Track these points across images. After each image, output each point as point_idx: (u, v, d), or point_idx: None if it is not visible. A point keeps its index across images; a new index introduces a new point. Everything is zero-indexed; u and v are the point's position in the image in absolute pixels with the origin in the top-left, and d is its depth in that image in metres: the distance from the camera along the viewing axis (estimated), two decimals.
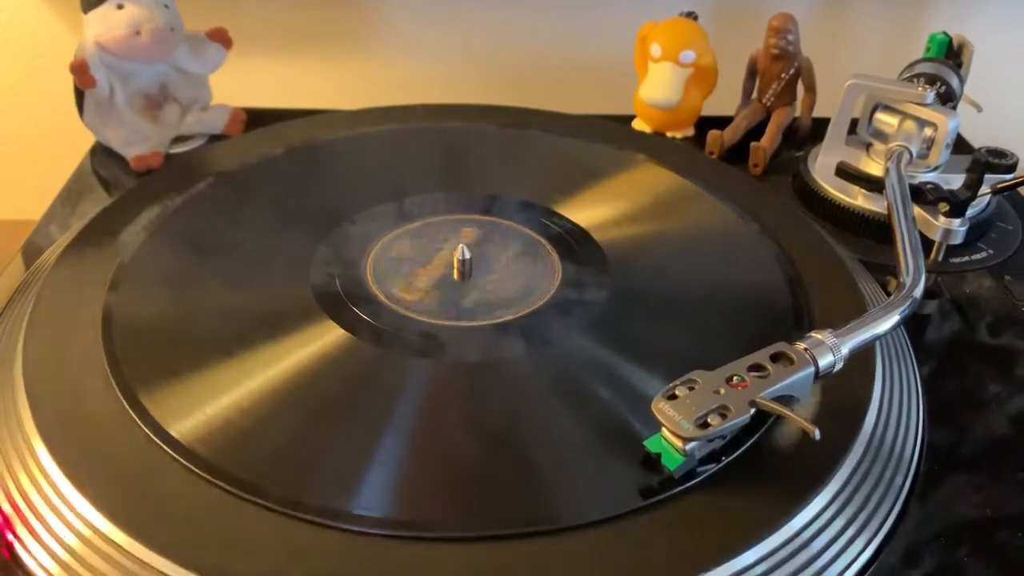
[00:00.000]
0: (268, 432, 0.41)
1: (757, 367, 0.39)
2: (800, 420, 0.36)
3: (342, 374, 0.44)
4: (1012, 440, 0.46)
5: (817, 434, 0.36)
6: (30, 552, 0.37)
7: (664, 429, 0.38)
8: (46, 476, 0.38)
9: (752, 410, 0.37)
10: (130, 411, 0.41)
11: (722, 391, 0.38)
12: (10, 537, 0.37)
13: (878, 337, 0.42)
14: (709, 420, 0.37)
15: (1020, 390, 0.49)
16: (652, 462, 0.38)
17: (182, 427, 0.40)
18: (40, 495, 0.38)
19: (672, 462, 0.38)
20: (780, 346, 0.40)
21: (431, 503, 0.38)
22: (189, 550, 0.35)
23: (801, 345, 0.40)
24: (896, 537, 0.40)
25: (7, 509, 0.38)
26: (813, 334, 0.41)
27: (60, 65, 0.69)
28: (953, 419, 0.47)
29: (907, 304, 0.43)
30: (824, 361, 0.39)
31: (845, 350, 0.40)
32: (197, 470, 0.38)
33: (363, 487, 0.38)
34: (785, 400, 0.39)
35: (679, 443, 0.37)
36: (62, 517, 0.37)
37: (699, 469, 0.39)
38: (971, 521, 0.41)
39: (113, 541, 0.36)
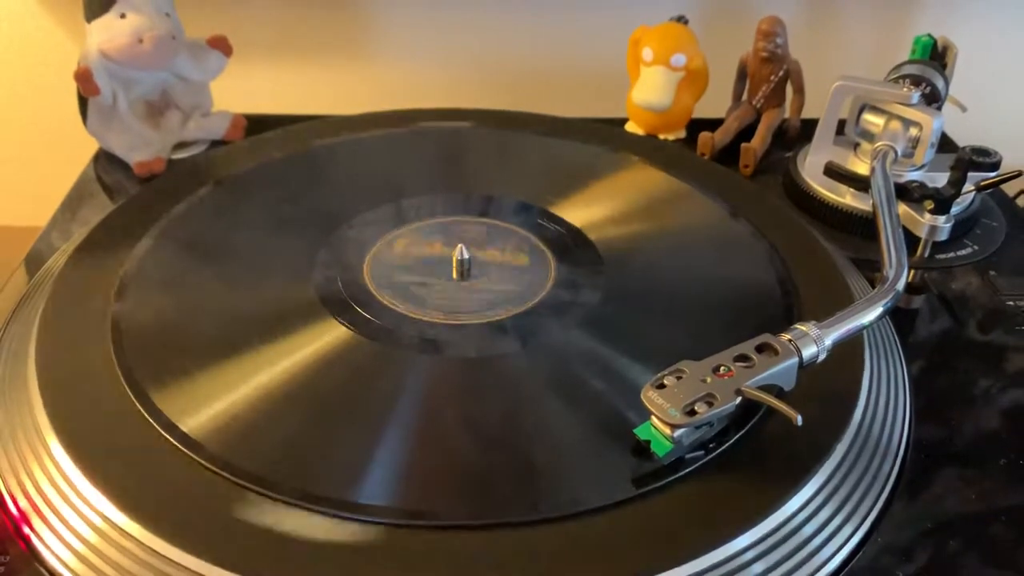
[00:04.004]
0: (276, 426, 0.42)
1: (743, 357, 0.40)
2: (783, 407, 0.38)
3: (346, 371, 0.45)
4: (996, 430, 0.47)
5: (799, 420, 0.37)
6: (46, 544, 0.38)
7: (653, 417, 0.39)
8: (60, 471, 0.39)
9: (738, 398, 0.38)
10: (141, 407, 0.42)
11: (709, 380, 0.39)
12: (27, 530, 0.39)
13: (861, 329, 0.43)
14: (696, 408, 0.38)
15: (1005, 382, 0.50)
16: (642, 449, 0.40)
17: (192, 422, 0.41)
18: (55, 489, 0.39)
19: (661, 448, 0.39)
20: (765, 337, 0.41)
21: (434, 493, 0.39)
22: (200, 539, 0.36)
23: (785, 336, 0.41)
24: (883, 524, 0.41)
25: (23, 503, 0.39)
26: (797, 326, 0.42)
27: (62, 72, 0.70)
28: (939, 410, 0.48)
29: (889, 297, 0.44)
30: (808, 352, 0.41)
31: (828, 341, 0.41)
32: (207, 463, 0.39)
33: (368, 478, 0.39)
34: (771, 390, 0.40)
35: (667, 430, 0.38)
36: (76, 509, 0.38)
37: (693, 457, 0.40)
38: (956, 510, 0.42)
39: (126, 532, 0.37)
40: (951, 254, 0.60)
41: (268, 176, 0.62)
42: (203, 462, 0.39)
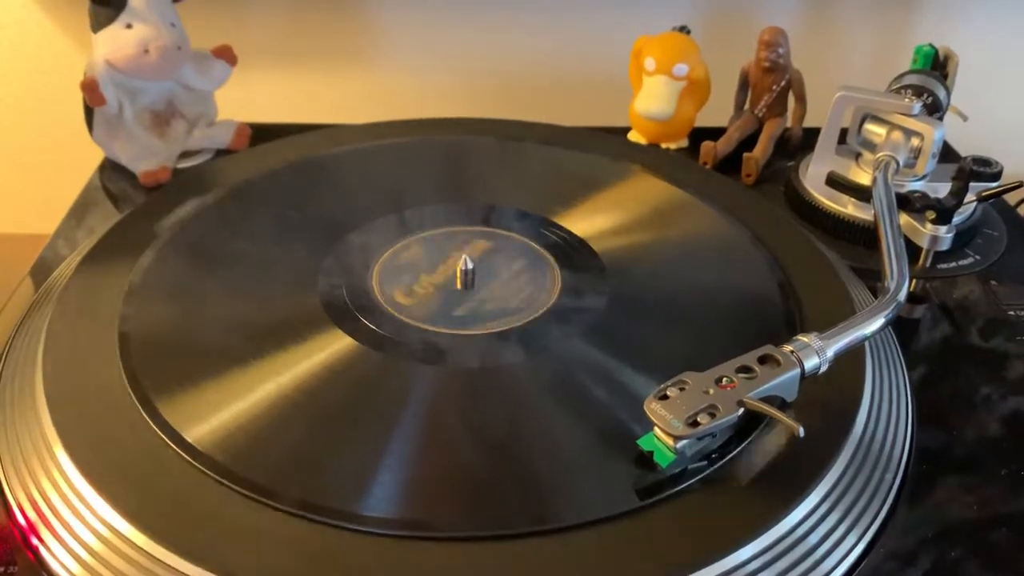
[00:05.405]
0: (280, 437, 0.42)
1: (745, 369, 0.40)
2: (785, 419, 0.38)
3: (349, 381, 0.45)
4: (998, 439, 0.47)
5: (801, 431, 0.37)
6: (53, 555, 0.38)
7: (656, 428, 0.39)
8: (67, 481, 0.39)
9: (740, 409, 0.39)
10: (147, 418, 0.42)
11: (711, 391, 0.39)
12: (34, 541, 0.39)
13: (863, 339, 0.44)
14: (699, 419, 0.38)
15: (1007, 391, 0.50)
16: (645, 460, 0.40)
17: (198, 432, 0.41)
18: (62, 499, 0.39)
19: (664, 460, 0.39)
20: (767, 348, 0.41)
21: (437, 504, 0.39)
22: (206, 550, 0.36)
23: (787, 347, 0.41)
24: (887, 532, 0.41)
25: (31, 514, 0.40)
26: (799, 337, 0.42)
27: (67, 82, 0.71)
28: (941, 419, 0.48)
29: (891, 308, 0.45)
30: (810, 363, 0.41)
31: (830, 352, 0.41)
32: (213, 474, 0.39)
33: (371, 489, 0.39)
34: (773, 400, 0.40)
35: (670, 441, 0.38)
36: (83, 520, 0.38)
37: (697, 468, 0.40)
38: (959, 518, 0.43)
39: (133, 543, 0.37)
40: (953, 264, 0.60)
41: (273, 185, 0.62)
42: (208, 472, 0.40)
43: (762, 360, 0.41)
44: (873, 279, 0.57)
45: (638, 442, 0.40)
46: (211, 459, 0.40)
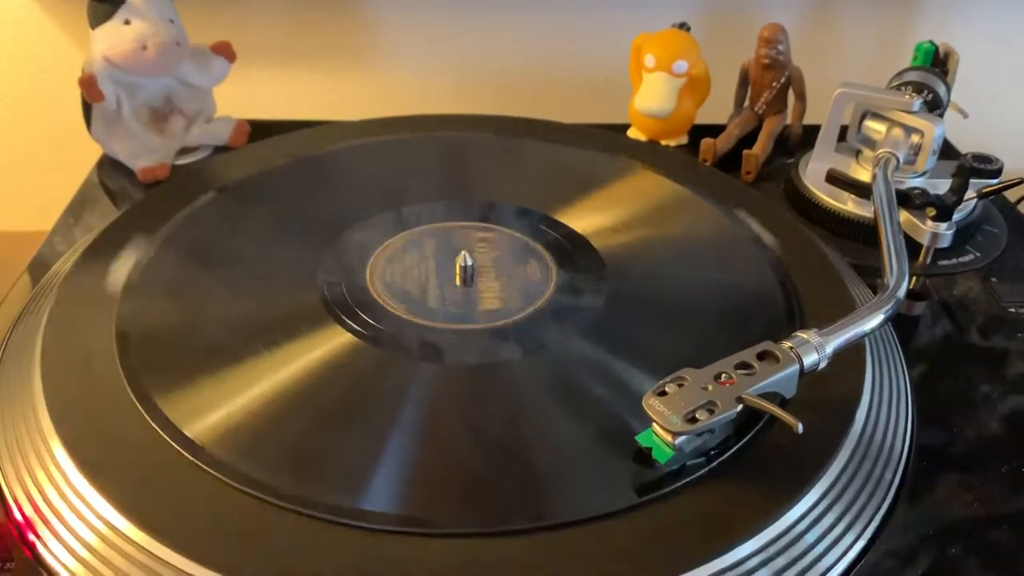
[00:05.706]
0: (280, 433, 0.42)
1: (744, 365, 0.40)
2: (783, 415, 0.38)
3: (348, 377, 0.45)
4: (998, 437, 0.47)
5: (800, 428, 0.37)
6: (51, 551, 0.38)
7: (654, 424, 0.39)
8: (65, 477, 0.39)
9: (739, 406, 0.39)
10: (145, 413, 0.42)
11: (710, 388, 0.39)
12: (31, 537, 0.39)
13: (862, 336, 0.43)
14: (697, 415, 0.38)
15: (1007, 389, 0.50)
16: (644, 456, 0.40)
17: (196, 428, 0.41)
18: (59, 495, 0.39)
19: (662, 456, 0.39)
20: (766, 345, 0.41)
21: (436, 500, 0.39)
22: (204, 546, 0.36)
23: (787, 344, 0.41)
24: (886, 530, 0.41)
25: (28, 510, 0.39)
26: (798, 333, 0.42)
27: (66, 78, 0.70)
28: (941, 417, 0.48)
29: (890, 304, 0.44)
30: (809, 359, 0.41)
31: (829, 349, 0.41)
32: (211, 470, 0.39)
33: (371, 485, 0.39)
34: (772, 397, 0.40)
35: (668, 437, 0.38)
36: (81, 516, 0.38)
37: (695, 464, 0.40)
38: (958, 516, 0.42)
39: (130, 538, 0.37)
40: (953, 260, 0.60)
41: (271, 182, 0.62)
42: (207, 468, 0.39)
43: (761, 356, 0.41)
44: (873, 276, 0.57)
45: (636, 438, 0.40)
46: (210, 455, 0.40)
